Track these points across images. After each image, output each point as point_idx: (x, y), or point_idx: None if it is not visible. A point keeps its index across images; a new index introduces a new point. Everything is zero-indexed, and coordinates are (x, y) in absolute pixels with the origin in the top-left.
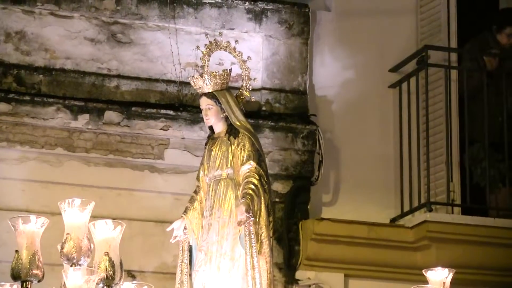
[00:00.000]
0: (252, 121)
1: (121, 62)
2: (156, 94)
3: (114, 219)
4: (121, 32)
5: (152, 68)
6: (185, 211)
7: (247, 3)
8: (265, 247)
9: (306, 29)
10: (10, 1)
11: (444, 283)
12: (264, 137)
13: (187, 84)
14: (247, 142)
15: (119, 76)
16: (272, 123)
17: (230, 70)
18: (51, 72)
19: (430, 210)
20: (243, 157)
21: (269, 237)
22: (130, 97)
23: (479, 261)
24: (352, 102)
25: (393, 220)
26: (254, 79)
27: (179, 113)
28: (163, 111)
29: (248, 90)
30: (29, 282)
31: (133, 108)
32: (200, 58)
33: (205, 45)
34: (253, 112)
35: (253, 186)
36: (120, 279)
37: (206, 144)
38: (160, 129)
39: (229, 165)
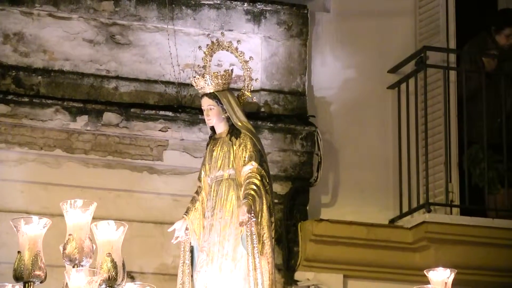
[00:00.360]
0: (251, 122)
1: (119, 63)
2: (155, 95)
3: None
4: (119, 33)
5: (150, 70)
6: (187, 212)
7: (245, 4)
8: (267, 248)
9: (305, 30)
10: (8, 2)
11: (445, 283)
12: (263, 138)
13: (186, 85)
14: (249, 143)
15: (117, 78)
16: (271, 124)
17: (232, 70)
18: (50, 73)
19: (429, 211)
20: (244, 157)
21: (271, 238)
22: (128, 98)
23: (478, 262)
24: (351, 103)
25: (392, 221)
26: (255, 80)
27: (178, 115)
28: (162, 112)
29: (249, 90)
30: (32, 283)
31: (132, 110)
32: (202, 58)
33: (207, 45)
34: (252, 113)
35: (255, 187)
36: (122, 280)
37: (207, 145)
38: (159, 130)
39: (230, 166)
